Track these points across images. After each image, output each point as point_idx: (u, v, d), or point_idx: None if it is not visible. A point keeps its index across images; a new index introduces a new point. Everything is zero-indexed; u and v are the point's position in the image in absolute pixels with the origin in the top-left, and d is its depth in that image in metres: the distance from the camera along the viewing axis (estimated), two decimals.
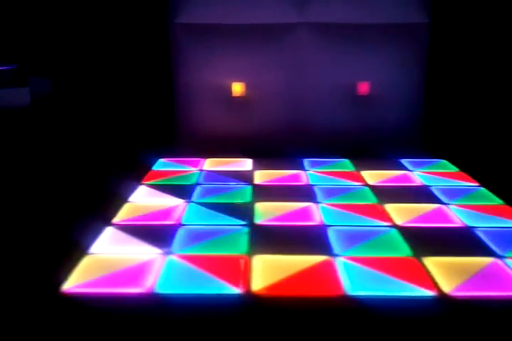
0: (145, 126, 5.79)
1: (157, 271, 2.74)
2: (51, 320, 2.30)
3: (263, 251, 2.94)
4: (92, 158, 5.01)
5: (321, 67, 5.25)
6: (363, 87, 5.31)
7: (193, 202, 3.81)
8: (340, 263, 2.79)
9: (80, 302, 2.47)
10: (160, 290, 2.54)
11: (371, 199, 3.87)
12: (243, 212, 3.57)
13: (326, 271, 2.72)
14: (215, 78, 5.34)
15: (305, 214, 3.55)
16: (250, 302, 2.44)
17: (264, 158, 5.07)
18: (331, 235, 3.18)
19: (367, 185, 4.24)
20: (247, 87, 5.31)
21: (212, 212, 3.63)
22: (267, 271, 2.71)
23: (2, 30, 5.80)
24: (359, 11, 5.03)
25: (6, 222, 3.40)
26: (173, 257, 2.91)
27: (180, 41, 5.31)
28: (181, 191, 4.04)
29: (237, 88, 5.31)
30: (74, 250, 2.95)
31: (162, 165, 4.90)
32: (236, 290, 2.52)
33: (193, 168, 4.75)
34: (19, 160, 4.79)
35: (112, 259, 2.91)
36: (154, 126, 5.83)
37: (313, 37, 5.15)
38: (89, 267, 2.80)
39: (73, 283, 2.61)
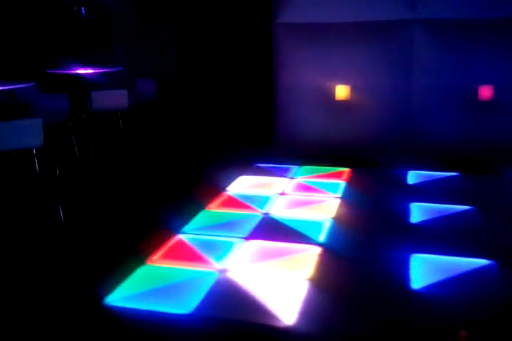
0: (245, 125, 5.65)
1: (206, 289, 2.55)
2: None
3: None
4: (194, 152, 5.18)
5: (434, 69, 4.64)
6: (486, 92, 4.62)
7: (268, 214, 3.56)
8: None
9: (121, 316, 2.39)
10: (200, 312, 2.35)
11: None
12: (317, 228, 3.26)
13: None
14: (317, 80, 5.00)
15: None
16: None
17: (364, 167, 4.65)
18: None
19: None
20: (352, 90, 4.90)
21: (287, 227, 3.34)
22: None
23: (111, 34, 6.01)
24: (482, 3, 4.36)
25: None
26: (228, 275, 2.68)
27: (283, 41, 5.05)
28: (263, 200, 3.82)
29: (342, 91, 4.92)
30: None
31: (255, 170, 4.68)
32: (283, 322, 2.23)
33: (283, 176, 4.47)
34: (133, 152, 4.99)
35: (167, 271, 2.78)
36: (254, 126, 5.67)
37: (425, 35, 4.57)
38: (145, 276, 2.72)
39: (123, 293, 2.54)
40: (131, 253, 2.99)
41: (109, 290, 2.56)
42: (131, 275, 2.72)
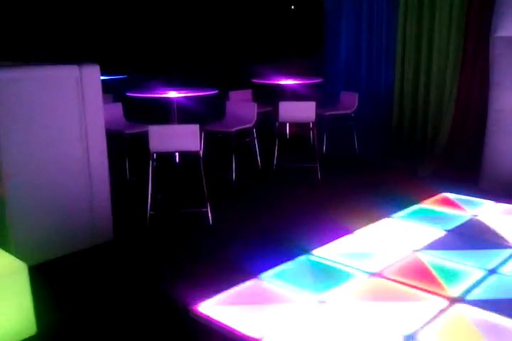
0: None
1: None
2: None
3: None
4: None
5: None
6: None
7: (422, 250, 3.13)
8: None
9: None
10: None
11: None
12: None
13: None
14: None
15: None
16: None
17: None
18: None
19: None
20: None
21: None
22: None
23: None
24: None
25: None
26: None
27: (502, 57, 4.40)
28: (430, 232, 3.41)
29: None
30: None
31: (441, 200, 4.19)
32: None
33: (464, 210, 3.89)
34: None
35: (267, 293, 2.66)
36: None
37: None
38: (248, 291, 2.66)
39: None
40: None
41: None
42: None
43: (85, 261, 3.15)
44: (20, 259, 2.38)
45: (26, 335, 2.34)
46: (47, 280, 2.84)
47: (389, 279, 2.80)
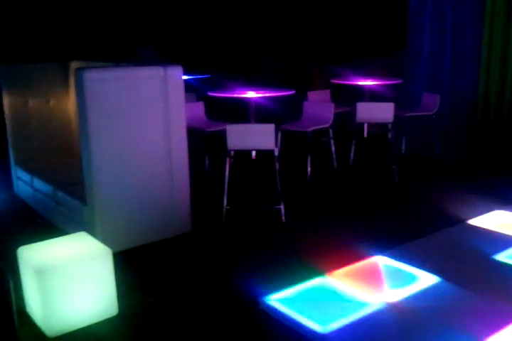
0: None
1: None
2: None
3: None
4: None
5: None
6: None
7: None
8: None
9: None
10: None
11: None
12: None
13: None
14: None
15: None
16: None
17: None
18: None
19: None
20: None
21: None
22: None
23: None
24: None
25: None
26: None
27: None
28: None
29: None
30: None
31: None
32: None
33: None
34: None
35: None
36: None
37: None
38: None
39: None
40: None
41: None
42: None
43: (165, 250, 3.34)
44: (106, 245, 2.59)
45: (108, 315, 2.54)
46: (130, 266, 3.06)
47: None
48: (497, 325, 2.36)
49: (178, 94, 3.39)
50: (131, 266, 3.08)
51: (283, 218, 3.79)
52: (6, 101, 4.11)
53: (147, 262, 3.19)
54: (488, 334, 2.29)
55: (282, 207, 3.81)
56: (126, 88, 3.17)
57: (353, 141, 4.93)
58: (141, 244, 3.34)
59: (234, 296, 2.74)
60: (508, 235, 3.41)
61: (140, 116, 3.25)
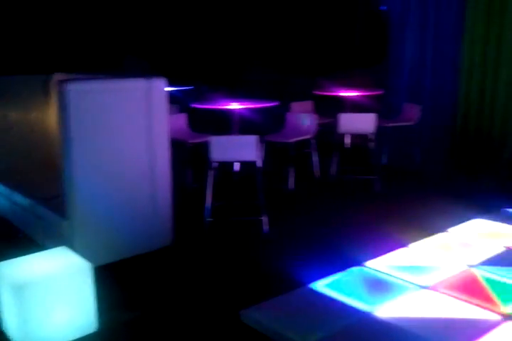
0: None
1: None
2: None
3: None
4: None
5: None
6: None
7: (478, 266, 3.07)
8: None
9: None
10: None
11: None
12: None
13: None
14: None
15: None
16: None
17: None
18: None
19: None
20: None
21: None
22: None
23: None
24: None
25: None
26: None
27: None
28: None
29: None
30: None
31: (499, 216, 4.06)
32: None
33: None
34: None
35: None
36: None
37: None
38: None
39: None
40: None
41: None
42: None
43: (147, 263, 3.31)
44: (86, 259, 2.56)
45: (88, 332, 2.51)
46: (111, 281, 3.02)
47: (443, 293, 2.78)
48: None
49: (162, 106, 3.39)
50: (112, 281, 3.03)
51: (265, 229, 3.78)
52: None
53: (128, 276, 3.15)
54: None
55: (265, 218, 3.80)
56: (109, 100, 3.16)
57: (335, 152, 4.95)
58: (123, 257, 3.30)
59: (215, 309, 2.72)
60: None
61: (123, 128, 3.24)
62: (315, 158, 5.21)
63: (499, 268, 3.07)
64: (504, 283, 2.88)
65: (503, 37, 4.94)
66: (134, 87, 3.27)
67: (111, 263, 3.22)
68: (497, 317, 2.52)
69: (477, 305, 2.65)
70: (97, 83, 3.23)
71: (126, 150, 3.27)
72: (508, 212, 4.09)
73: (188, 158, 4.89)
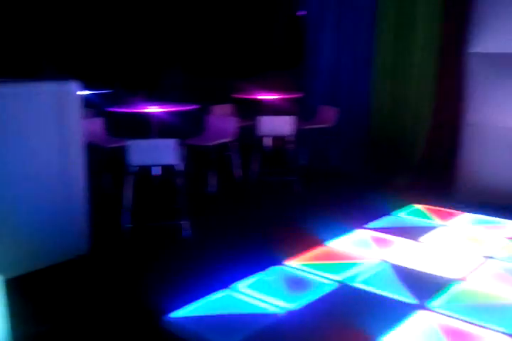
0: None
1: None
2: None
3: None
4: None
5: None
6: None
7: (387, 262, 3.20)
8: None
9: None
10: None
11: None
12: None
13: None
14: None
15: None
16: None
17: None
18: None
19: None
20: None
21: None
22: None
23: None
24: None
25: None
26: None
27: (475, 73, 4.51)
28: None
29: None
30: None
31: (412, 212, 4.27)
32: None
33: (437, 220, 4.00)
34: None
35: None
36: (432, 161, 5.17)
37: None
38: None
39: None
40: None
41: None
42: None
43: (61, 274, 3.17)
44: None
45: None
46: (23, 294, 2.87)
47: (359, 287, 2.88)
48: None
49: (75, 110, 3.28)
50: (25, 294, 2.88)
51: (187, 233, 3.75)
52: None
53: (42, 288, 3.01)
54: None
55: (185, 222, 3.76)
56: (17, 104, 3.01)
57: (255, 154, 5.00)
58: (36, 268, 3.15)
59: (134, 318, 2.65)
60: None
61: (33, 133, 3.10)
62: (236, 161, 5.23)
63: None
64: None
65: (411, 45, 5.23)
66: (44, 90, 3.15)
67: (24, 275, 3.06)
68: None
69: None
70: (6, 87, 3.07)
71: (36, 155, 3.13)
72: (418, 207, 4.33)
73: (105, 163, 4.75)
